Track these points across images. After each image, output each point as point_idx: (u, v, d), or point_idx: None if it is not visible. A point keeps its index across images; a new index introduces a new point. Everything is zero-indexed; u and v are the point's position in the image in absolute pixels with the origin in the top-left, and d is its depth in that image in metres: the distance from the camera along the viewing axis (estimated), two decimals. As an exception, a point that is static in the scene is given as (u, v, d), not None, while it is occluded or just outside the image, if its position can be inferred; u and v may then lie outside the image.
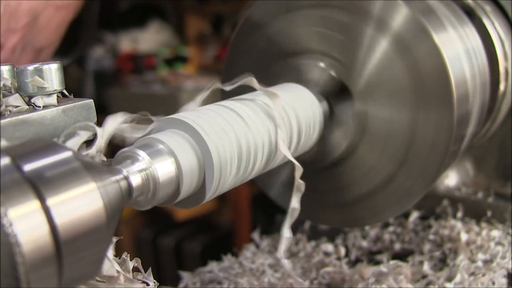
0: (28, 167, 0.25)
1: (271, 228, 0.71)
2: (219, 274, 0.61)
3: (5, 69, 0.34)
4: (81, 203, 0.26)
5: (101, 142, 0.32)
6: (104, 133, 0.32)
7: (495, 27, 0.60)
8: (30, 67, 0.33)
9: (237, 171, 0.38)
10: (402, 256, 0.61)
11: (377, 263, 0.61)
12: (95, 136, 0.33)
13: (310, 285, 0.56)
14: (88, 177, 0.27)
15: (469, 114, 0.49)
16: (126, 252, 0.35)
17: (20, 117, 0.31)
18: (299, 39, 0.51)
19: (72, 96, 0.36)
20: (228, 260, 0.64)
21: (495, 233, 0.62)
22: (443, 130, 0.46)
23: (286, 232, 0.40)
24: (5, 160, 0.25)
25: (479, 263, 0.56)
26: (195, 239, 2.30)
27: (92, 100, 0.36)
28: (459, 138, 0.49)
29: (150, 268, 0.37)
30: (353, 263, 0.62)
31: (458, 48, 0.49)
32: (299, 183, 0.39)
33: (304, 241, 0.66)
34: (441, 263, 0.59)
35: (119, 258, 0.35)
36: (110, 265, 0.32)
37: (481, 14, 0.59)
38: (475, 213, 0.66)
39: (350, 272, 0.58)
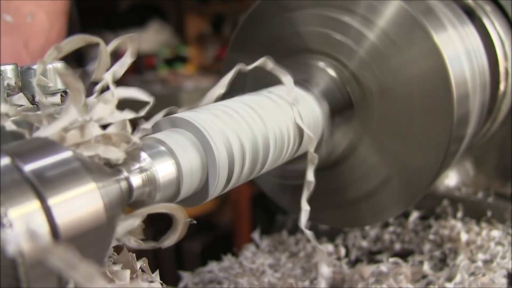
0: (28, 167, 0.25)
1: (271, 228, 0.71)
2: (219, 274, 0.61)
3: (9, 68, 0.34)
4: (81, 203, 0.26)
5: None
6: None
7: (495, 27, 0.60)
8: (35, 67, 0.33)
9: (242, 168, 0.38)
10: (402, 256, 0.61)
11: (377, 263, 0.61)
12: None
13: (310, 285, 0.56)
14: (88, 177, 0.27)
15: (469, 114, 0.49)
16: (131, 253, 0.35)
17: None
18: (300, 39, 0.51)
19: None
20: (228, 260, 0.64)
21: (495, 233, 0.62)
22: (443, 130, 0.46)
23: (305, 205, 0.42)
24: (5, 160, 0.25)
25: (479, 263, 0.56)
26: (195, 239, 2.30)
27: None
28: (459, 138, 0.49)
29: (157, 270, 0.37)
30: (353, 263, 0.62)
31: (458, 48, 0.49)
32: (313, 156, 0.41)
33: (304, 241, 0.66)
34: (441, 263, 0.59)
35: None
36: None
37: (481, 14, 0.59)
38: (475, 213, 0.66)
39: (350, 272, 0.58)
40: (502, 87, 0.60)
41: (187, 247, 2.27)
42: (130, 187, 0.31)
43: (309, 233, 0.41)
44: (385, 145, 0.49)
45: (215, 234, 2.37)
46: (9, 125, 0.29)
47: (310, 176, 0.42)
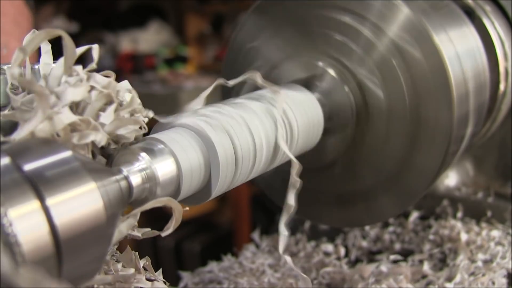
0: (28, 167, 0.25)
1: (271, 228, 0.71)
2: (219, 274, 0.61)
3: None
4: (81, 203, 0.26)
5: None
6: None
7: (495, 27, 0.60)
8: (37, 66, 0.33)
9: (241, 168, 0.38)
10: (402, 256, 0.61)
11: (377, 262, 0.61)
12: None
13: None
14: (88, 177, 0.27)
15: (468, 114, 0.49)
16: (134, 251, 0.35)
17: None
18: (300, 39, 0.51)
19: None
20: (228, 260, 0.64)
21: (495, 233, 0.62)
22: (443, 130, 0.46)
23: (283, 230, 0.39)
24: (5, 160, 0.25)
25: (479, 263, 0.56)
26: (195, 239, 2.30)
27: None
28: (458, 138, 0.49)
29: (161, 269, 0.37)
30: (353, 263, 0.62)
31: (458, 48, 0.49)
32: (295, 180, 0.39)
33: (304, 241, 0.66)
34: (441, 263, 0.59)
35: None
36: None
37: (481, 14, 0.59)
38: (475, 213, 0.66)
39: (350, 272, 0.58)
40: (502, 87, 0.60)
41: (187, 247, 2.27)
42: (130, 187, 0.31)
43: (288, 259, 0.40)
44: (384, 145, 0.49)
45: (215, 234, 2.37)
46: None
47: (291, 199, 0.39)
